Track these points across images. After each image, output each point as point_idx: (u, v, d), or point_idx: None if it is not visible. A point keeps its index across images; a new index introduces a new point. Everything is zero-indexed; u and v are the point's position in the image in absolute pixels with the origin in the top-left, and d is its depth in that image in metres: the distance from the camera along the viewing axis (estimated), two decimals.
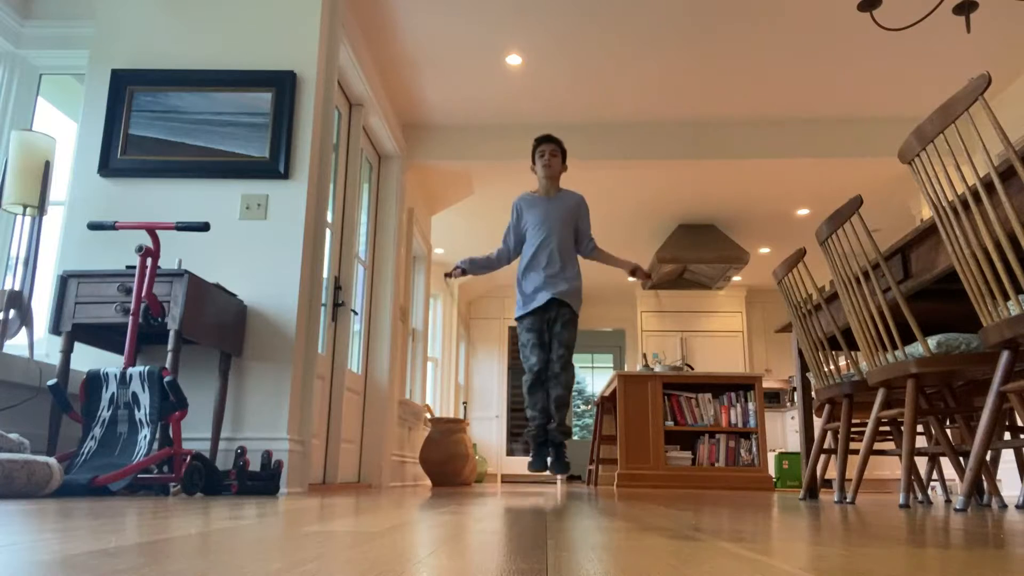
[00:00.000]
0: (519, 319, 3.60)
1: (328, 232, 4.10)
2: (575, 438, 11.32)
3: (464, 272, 3.69)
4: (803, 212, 7.01)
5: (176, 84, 3.51)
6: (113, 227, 2.69)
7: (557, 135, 3.80)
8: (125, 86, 3.50)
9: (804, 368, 4.05)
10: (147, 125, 3.47)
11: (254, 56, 3.57)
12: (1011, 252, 1.88)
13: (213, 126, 3.46)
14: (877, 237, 7.32)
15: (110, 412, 2.52)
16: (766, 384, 8.91)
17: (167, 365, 2.64)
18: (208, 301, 2.91)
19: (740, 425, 5.60)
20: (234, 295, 3.17)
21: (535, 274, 3.56)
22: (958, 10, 3.80)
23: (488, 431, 9.66)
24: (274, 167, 3.40)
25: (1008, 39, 4.51)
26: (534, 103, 5.32)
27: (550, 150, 3.69)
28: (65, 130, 3.98)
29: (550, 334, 3.56)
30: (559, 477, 6.88)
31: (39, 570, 0.64)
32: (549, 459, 3.63)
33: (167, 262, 3.31)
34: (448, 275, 3.73)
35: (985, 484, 2.81)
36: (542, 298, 3.51)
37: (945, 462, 6.74)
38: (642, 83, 5.04)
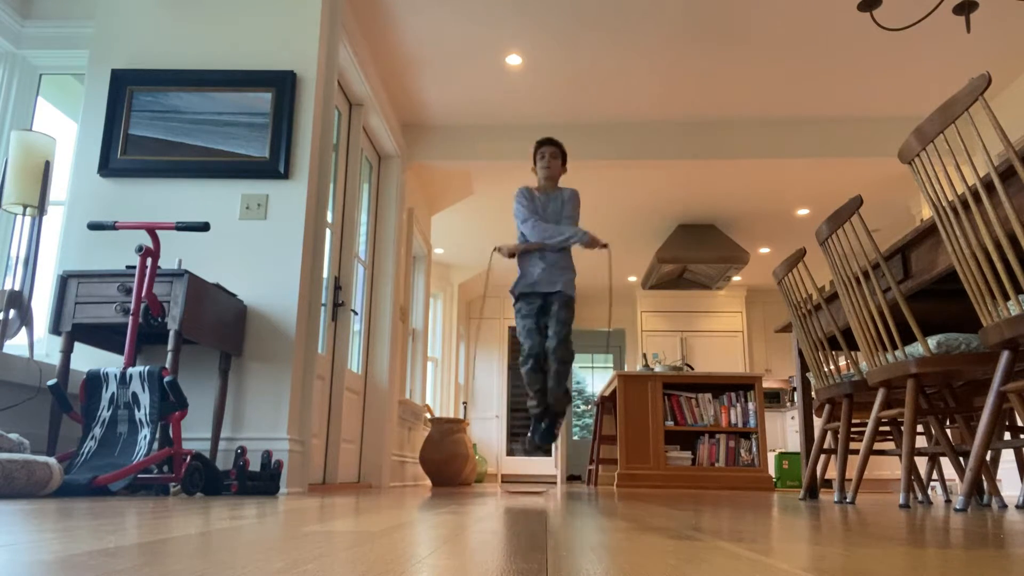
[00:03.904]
0: (517, 296, 3.64)
1: (328, 232, 4.10)
2: (575, 438, 11.31)
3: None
4: (803, 212, 7.01)
5: (176, 84, 3.51)
6: (113, 227, 2.69)
7: (557, 135, 3.81)
8: (125, 86, 3.50)
9: (804, 368, 4.05)
10: (147, 125, 3.47)
11: (254, 56, 3.57)
12: (1011, 252, 1.88)
13: (213, 126, 3.46)
14: (877, 237, 7.32)
15: (110, 412, 2.52)
16: (766, 384, 8.91)
17: (167, 365, 2.64)
18: (208, 301, 2.91)
19: (740, 425, 5.60)
20: (234, 295, 3.17)
21: (536, 259, 3.61)
22: (958, 10, 3.80)
23: (488, 431, 9.66)
24: (274, 167, 3.40)
25: (1008, 39, 4.50)
26: (534, 103, 5.32)
27: (550, 152, 3.72)
28: (65, 130, 3.98)
29: (546, 318, 3.63)
30: (539, 458, 6.56)
31: (39, 570, 0.64)
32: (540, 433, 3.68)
33: (167, 262, 3.31)
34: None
35: (985, 484, 2.81)
36: (541, 287, 3.58)
37: (945, 462, 6.73)
38: (642, 83, 5.04)
